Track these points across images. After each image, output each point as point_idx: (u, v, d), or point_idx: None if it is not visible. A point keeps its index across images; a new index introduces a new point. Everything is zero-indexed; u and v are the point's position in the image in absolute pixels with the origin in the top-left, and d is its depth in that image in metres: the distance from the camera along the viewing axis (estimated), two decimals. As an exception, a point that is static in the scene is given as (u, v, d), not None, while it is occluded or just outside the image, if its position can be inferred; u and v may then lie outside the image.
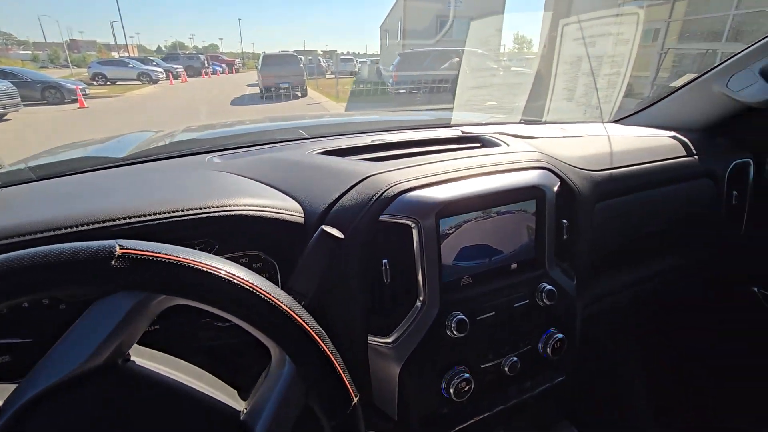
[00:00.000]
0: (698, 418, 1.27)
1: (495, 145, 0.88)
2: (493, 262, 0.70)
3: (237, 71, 24.51)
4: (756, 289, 1.14)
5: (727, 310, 1.23)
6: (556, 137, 1.03)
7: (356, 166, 0.71)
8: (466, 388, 0.64)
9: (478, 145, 0.91)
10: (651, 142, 1.05)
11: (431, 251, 0.62)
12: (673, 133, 1.11)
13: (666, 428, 1.31)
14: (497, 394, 0.72)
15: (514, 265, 0.72)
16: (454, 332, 0.63)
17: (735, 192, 1.11)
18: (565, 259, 0.81)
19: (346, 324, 0.62)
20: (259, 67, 11.70)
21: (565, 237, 0.79)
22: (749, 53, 1.03)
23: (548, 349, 0.72)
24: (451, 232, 0.65)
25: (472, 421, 0.69)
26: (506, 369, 0.69)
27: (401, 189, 0.63)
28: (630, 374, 1.23)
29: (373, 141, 0.89)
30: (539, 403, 0.78)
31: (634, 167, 0.94)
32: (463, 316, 0.64)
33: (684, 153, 1.04)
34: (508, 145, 0.86)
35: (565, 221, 0.79)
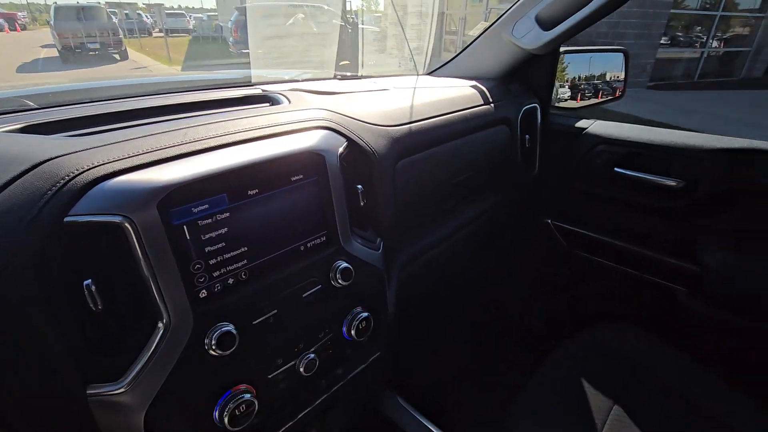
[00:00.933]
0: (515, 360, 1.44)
1: (278, 103, 0.74)
2: (273, 249, 0.57)
3: (24, 28, 19.08)
4: (549, 221, 1.29)
5: (530, 242, 1.37)
6: (360, 92, 0.94)
7: (40, 145, 0.48)
8: (248, 410, 0.52)
9: (267, 104, 0.76)
10: (453, 93, 1.04)
11: (162, 254, 0.45)
12: (474, 83, 1.13)
13: (493, 377, 1.45)
14: (297, 400, 0.62)
15: (302, 248, 0.60)
16: (217, 350, 0.49)
17: (527, 136, 1.20)
18: (367, 228, 0.74)
19: (42, 379, 0.43)
20: (51, 23, 9.24)
21: (363, 204, 0.71)
22: (526, 0, 1.07)
23: (352, 332, 0.65)
24: (204, 221, 0.49)
25: None
26: (302, 370, 0.59)
27: (99, 174, 0.44)
28: (452, 329, 1.31)
29: (125, 108, 0.65)
30: (356, 385, 0.71)
31: (435, 119, 0.90)
32: (230, 327, 0.50)
33: (482, 101, 1.06)
34: (290, 103, 0.72)
35: (359, 186, 0.70)
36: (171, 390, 0.47)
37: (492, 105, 1.06)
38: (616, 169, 1.12)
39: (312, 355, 0.60)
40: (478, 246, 1.13)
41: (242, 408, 0.51)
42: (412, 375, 1.07)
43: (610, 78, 1.44)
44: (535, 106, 1.19)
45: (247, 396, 0.52)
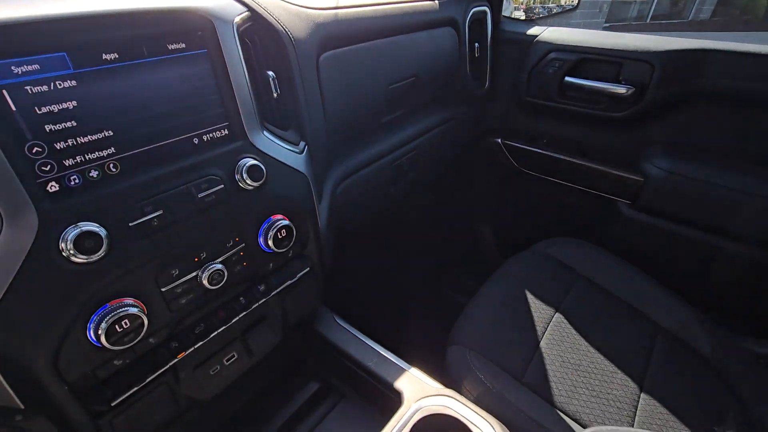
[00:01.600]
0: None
1: None
2: (154, 138, 0.46)
3: None
4: (499, 140, 1.23)
5: (478, 162, 1.32)
6: None
7: None
8: (134, 326, 0.43)
9: None
10: None
11: None
12: None
13: (439, 301, 1.45)
14: (209, 319, 0.54)
15: (196, 140, 0.49)
16: (79, 256, 0.39)
17: (477, 44, 1.10)
18: (287, 127, 0.63)
19: None
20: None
21: (276, 95, 0.59)
22: None
23: (270, 242, 0.56)
24: (36, 87, 0.37)
25: (174, 362, 0.50)
26: (206, 282, 0.50)
27: None
28: (396, 253, 1.26)
29: None
30: (283, 303, 0.64)
31: (367, 8, 0.78)
32: (92, 227, 0.40)
33: None
34: None
35: (270, 73, 0.58)
36: (19, 303, 0.37)
37: (436, 2, 0.95)
38: (566, 78, 1.06)
39: (218, 266, 0.51)
40: (423, 166, 1.05)
41: (125, 324, 0.42)
42: (351, 298, 1.02)
43: (564, 2, 1.34)
44: (485, 10, 1.08)
45: (132, 310, 0.43)
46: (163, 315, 0.48)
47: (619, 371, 0.77)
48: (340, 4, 0.73)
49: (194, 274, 0.50)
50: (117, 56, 0.41)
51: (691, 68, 0.92)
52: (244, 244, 0.55)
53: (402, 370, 0.63)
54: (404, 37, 0.86)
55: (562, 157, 1.14)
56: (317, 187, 0.69)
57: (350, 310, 0.81)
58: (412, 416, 0.55)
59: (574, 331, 0.83)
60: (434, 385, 0.60)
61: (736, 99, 0.92)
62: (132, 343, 0.44)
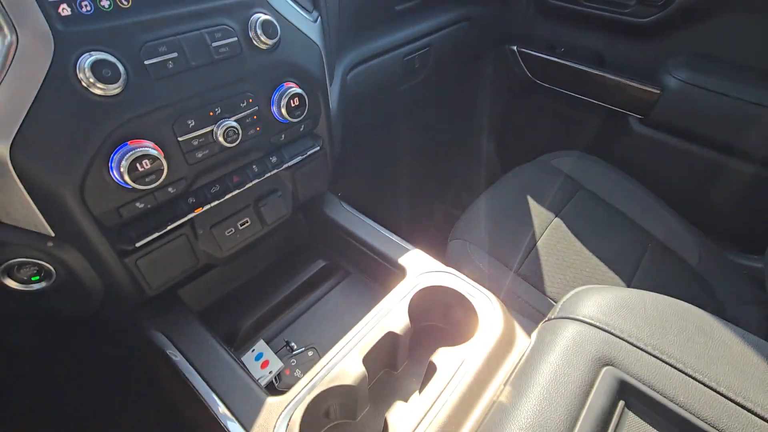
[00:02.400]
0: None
1: None
2: None
3: None
4: (515, 48, 1.18)
5: (492, 70, 1.28)
6: None
7: None
8: (153, 169, 0.44)
9: None
10: None
11: None
12: None
13: (444, 200, 1.47)
14: (223, 180, 0.55)
15: None
16: (99, 85, 0.39)
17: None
18: None
19: None
20: None
21: None
22: None
23: (283, 110, 0.56)
24: None
25: (191, 216, 0.52)
26: (221, 138, 0.50)
27: None
28: (403, 150, 1.26)
29: None
30: (293, 178, 0.65)
31: None
32: (109, 56, 0.39)
33: None
34: None
35: None
36: (41, 127, 0.38)
37: None
38: None
39: (233, 123, 0.51)
40: (434, 66, 1.02)
41: (146, 164, 0.43)
42: (357, 190, 1.04)
43: None
44: None
45: (152, 151, 0.44)
46: (181, 166, 0.49)
47: (609, 271, 0.81)
48: None
49: (210, 128, 0.50)
50: None
51: None
52: (257, 107, 0.54)
53: (406, 249, 0.66)
54: None
55: (579, 66, 1.10)
56: (329, 66, 0.67)
57: (356, 200, 0.83)
58: (414, 287, 0.59)
59: (571, 235, 0.87)
60: (437, 264, 0.64)
61: None
62: (153, 185, 0.45)
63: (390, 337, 0.54)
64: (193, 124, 0.48)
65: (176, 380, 0.52)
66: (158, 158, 0.44)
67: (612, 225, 0.91)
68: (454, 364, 0.49)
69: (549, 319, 0.53)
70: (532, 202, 0.92)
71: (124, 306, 0.56)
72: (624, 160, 1.07)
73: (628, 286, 0.79)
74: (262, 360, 0.62)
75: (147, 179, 0.44)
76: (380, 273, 0.69)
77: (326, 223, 0.74)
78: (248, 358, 0.62)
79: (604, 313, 0.50)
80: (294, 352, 0.65)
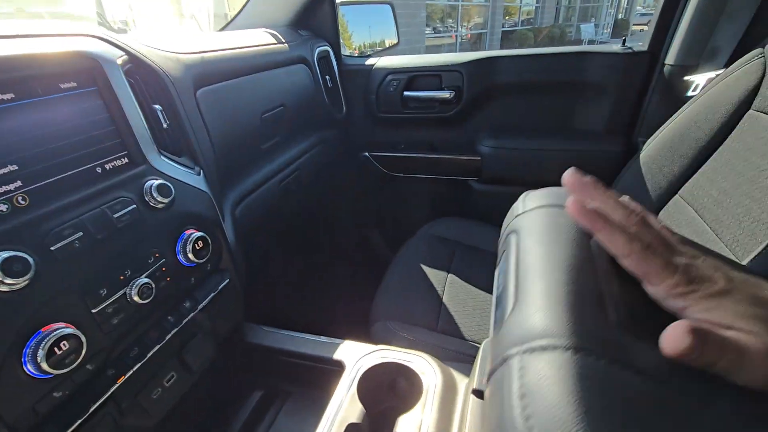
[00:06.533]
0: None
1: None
2: (58, 170, 0.48)
3: None
4: (366, 154, 1.43)
5: (355, 174, 1.50)
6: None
7: None
8: (73, 348, 0.44)
9: None
10: (245, 35, 1.04)
11: None
12: (264, 29, 1.15)
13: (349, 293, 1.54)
14: (143, 339, 0.55)
15: (99, 169, 0.53)
16: (7, 280, 0.40)
17: (328, 77, 1.29)
18: (180, 154, 0.69)
19: None
20: None
21: (166, 125, 0.65)
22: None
23: (189, 255, 0.60)
24: None
25: (114, 387, 0.50)
26: (136, 298, 0.52)
27: None
28: (301, 263, 1.35)
29: None
30: (210, 316, 0.67)
31: (229, 51, 0.89)
32: (17, 253, 0.41)
33: (275, 41, 1.09)
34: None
35: (157, 106, 0.64)
36: None
37: (286, 44, 1.11)
38: (405, 93, 1.32)
39: (145, 280, 0.53)
40: (307, 184, 1.17)
41: (64, 345, 0.43)
42: (274, 309, 1.05)
43: (388, 44, 1.66)
44: (327, 49, 1.29)
45: (68, 330, 0.44)
46: (97, 338, 0.48)
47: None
48: (207, 49, 0.82)
49: (122, 291, 0.51)
50: (13, 96, 0.44)
51: (487, 71, 1.26)
52: (164, 260, 0.58)
53: (337, 344, 0.71)
54: (267, 73, 0.99)
55: (419, 155, 1.38)
56: (219, 207, 0.74)
57: (275, 318, 0.86)
58: (356, 374, 0.63)
59: (465, 284, 1.02)
60: (369, 347, 0.69)
61: (519, 88, 1.28)
62: (73, 365, 0.44)
63: (352, 429, 0.56)
64: (105, 292, 0.49)
65: None
66: (75, 335, 0.44)
67: (489, 264, 1.10)
68: (414, 428, 0.54)
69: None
70: (426, 268, 1.06)
71: None
72: (479, 213, 1.32)
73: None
74: None
75: (66, 361, 0.43)
76: (320, 377, 0.71)
77: (252, 350, 0.75)
78: None
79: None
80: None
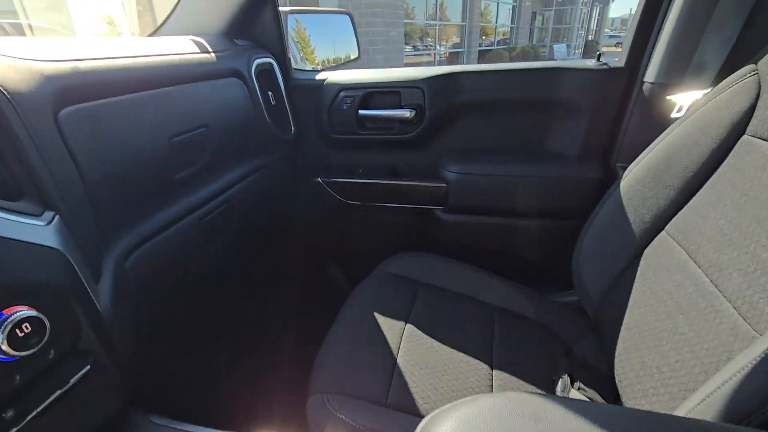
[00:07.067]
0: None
1: None
2: None
3: None
4: (319, 179, 1.26)
5: (305, 202, 1.32)
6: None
7: None
8: None
9: None
10: (161, 44, 0.87)
11: None
12: (191, 36, 0.98)
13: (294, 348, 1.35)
14: None
15: None
16: None
17: (271, 93, 1.13)
18: (21, 197, 0.51)
19: None
20: None
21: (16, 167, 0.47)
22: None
23: (3, 346, 0.41)
24: None
25: None
26: None
27: None
28: (223, 321, 1.14)
29: None
30: (62, 420, 0.48)
31: (123, 59, 0.71)
32: None
33: (200, 51, 0.92)
34: None
35: None
36: None
37: (213, 54, 0.94)
38: (360, 111, 1.17)
39: None
40: (242, 218, 0.99)
41: None
42: (173, 387, 0.85)
43: (351, 58, 1.52)
44: (270, 61, 1.13)
45: None
46: None
47: (471, 359, 0.81)
48: (85, 57, 0.65)
49: None
50: None
51: (451, 88, 1.12)
52: None
53: None
54: (182, 87, 0.82)
55: (378, 181, 1.22)
56: (90, 265, 0.56)
57: (178, 402, 0.66)
58: None
59: (425, 336, 0.85)
60: None
61: (487, 106, 1.14)
62: None
63: None
64: None
65: None
66: None
67: (458, 310, 0.93)
68: None
69: None
70: (380, 317, 0.89)
71: None
72: (443, 246, 1.17)
73: (491, 366, 0.79)
74: None
75: None
76: None
77: None
78: None
79: None
80: None
